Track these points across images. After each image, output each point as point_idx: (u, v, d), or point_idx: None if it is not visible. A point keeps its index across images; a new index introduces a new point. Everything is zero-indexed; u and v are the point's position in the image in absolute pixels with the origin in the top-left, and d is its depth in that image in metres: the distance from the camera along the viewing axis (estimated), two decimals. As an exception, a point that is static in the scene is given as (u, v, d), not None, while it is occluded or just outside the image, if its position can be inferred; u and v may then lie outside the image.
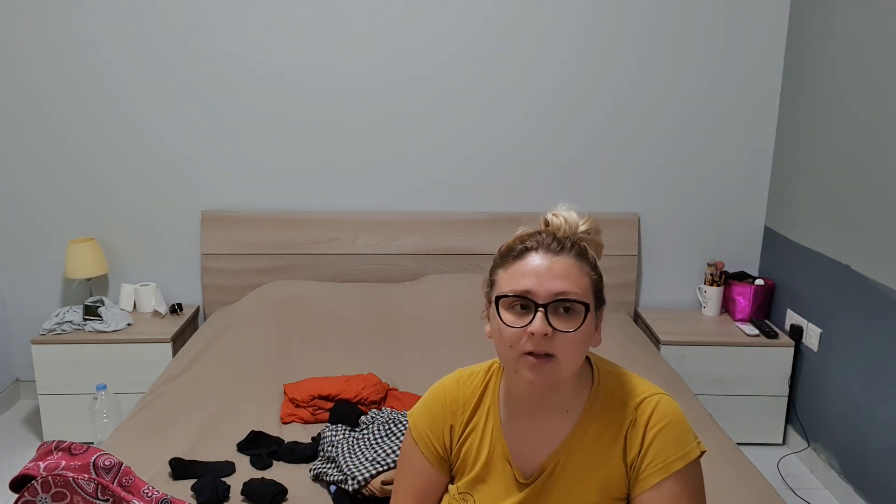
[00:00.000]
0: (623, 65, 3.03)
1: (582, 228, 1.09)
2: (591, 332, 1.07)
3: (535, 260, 1.04)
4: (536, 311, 1.01)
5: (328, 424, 2.04)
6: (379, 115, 3.06)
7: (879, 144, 2.38)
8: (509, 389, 1.15)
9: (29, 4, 2.89)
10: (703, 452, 1.09)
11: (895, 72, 2.30)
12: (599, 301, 1.10)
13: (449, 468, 1.20)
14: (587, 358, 1.16)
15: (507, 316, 1.04)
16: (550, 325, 1.01)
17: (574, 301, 1.02)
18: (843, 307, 2.59)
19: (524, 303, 1.03)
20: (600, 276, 1.10)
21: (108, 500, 1.24)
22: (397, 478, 1.23)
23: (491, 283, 1.11)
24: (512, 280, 1.05)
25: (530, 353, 1.02)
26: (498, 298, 1.05)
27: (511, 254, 1.08)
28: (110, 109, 3.01)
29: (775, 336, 2.89)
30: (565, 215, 1.10)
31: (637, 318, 3.21)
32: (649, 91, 3.05)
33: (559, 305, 1.02)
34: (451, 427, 1.17)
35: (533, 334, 1.00)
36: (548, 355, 1.01)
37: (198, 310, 3.18)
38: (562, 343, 1.02)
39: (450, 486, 1.19)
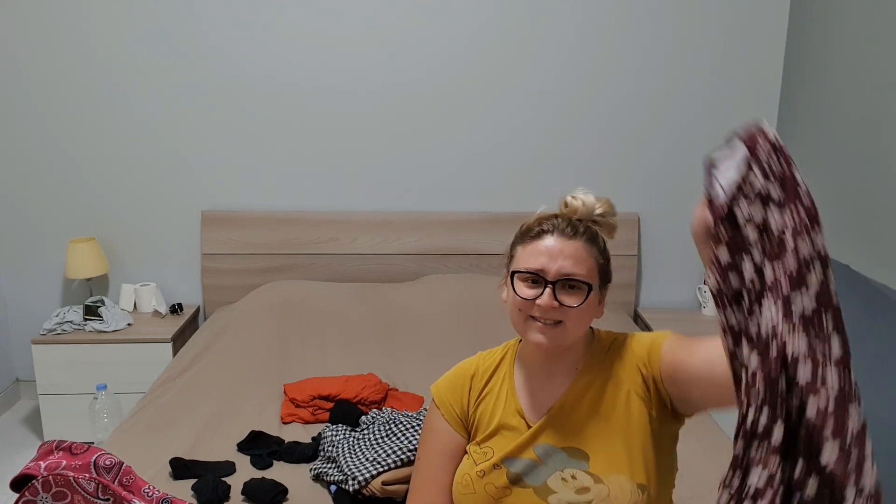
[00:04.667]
0: (623, 65, 3.03)
1: (598, 211, 1.21)
2: (595, 306, 1.20)
3: (550, 241, 1.18)
4: (546, 287, 1.15)
5: (328, 424, 2.04)
6: (379, 116, 3.06)
7: (879, 144, 2.38)
8: (523, 354, 1.27)
9: (29, 6, 2.89)
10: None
11: (895, 72, 2.31)
12: (605, 279, 1.22)
13: (467, 431, 1.28)
14: (593, 330, 1.27)
15: (520, 287, 1.18)
16: (557, 299, 1.14)
17: (579, 281, 1.15)
18: (843, 307, 2.59)
19: (535, 278, 1.16)
20: (607, 259, 1.23)
21: (108, 500, 1.24)
22: (420, 445, 1.33)
23: (510, 257, 1.24)
24: (528, 257, 1.18)
25: (537, 319, 1.16)
26: (514, 273, 1.19)
27: (530, 233, 1.21)
28: (111, 110, 3.01)
29: (775, 336, 2.89)
30: (583, 198, 1.22)
31: (637, 318, 3.21)
32: (649, 91, 3.05)
33: (566, 283, 1.15)
34: (469, 390, 1.28)
35: (540, 306, 1.14)
36: (556, 322, 1.15)
37: (198, 310, 3.18)
38: (569, 313, 1.15)
39: (469, 447, 1.26)
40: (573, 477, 1.16)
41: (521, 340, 1.28)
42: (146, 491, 1.31)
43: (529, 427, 1.21)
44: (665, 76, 3.04)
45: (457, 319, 2.76)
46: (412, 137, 3.08)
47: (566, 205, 1.23)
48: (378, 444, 1.83)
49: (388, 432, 1.89)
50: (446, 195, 3.14)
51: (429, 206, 3.15)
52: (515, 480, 1.18)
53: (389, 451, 1.76)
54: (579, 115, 3.07)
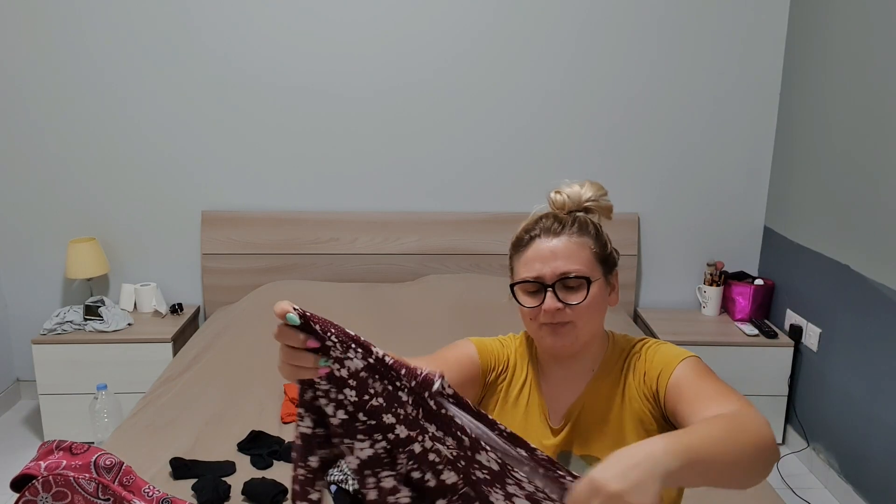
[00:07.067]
0: (623, 67, 3.03)
1: (586, 197, 1.20)
2: (604, 297, 1.19)
3: (539, 245, 1.17)
4: (546, 292, 1.15)
5: (328, 424, 2.04)
6: (379, 116, 3.06)
7: (879, 144, 2.38)
8: (539, 355, 1.27)
9: (28, 6, 2.89)
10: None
11: (894, 72, 2.31)
12: (609, 266, 1.20)
13: (483, 381, 1.26)
14: (609, 334, 1.26)
15: (524, 298, 1.18)
16: (560, 300, 1.14)
17: (576, 277, 1.14)
18: (843, 307, 2.59)
19: (534, 286, 1.16)
20: (604, 243, 1.20)
21: (108, 500, 1.24)
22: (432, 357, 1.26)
23: (511, 271, 1.24)
24: (523, 268, 1.18)
25: (548, 324, 1.15)
26: (513, 286, 1.19)
27: (520, 244, 1.21)
28: (111, 110, 3.01)
29: (775, 336, 2.89)
30: (567, 191, 1.21)
31: (637, 317, 3.21)
32: (649, 92, 3.05)
33: (564, 282, 1.15)
34: (497, 359, 1.28)
35: (546, 311, 1.14)
36: (565, 323, 1.15)
37: (198, 310, 3.18)
38: (576, 311, 1.14)
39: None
40: None
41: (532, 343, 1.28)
42: (146, 491, 1.31)
43: (551, 427, 1.21)
44: (665, 78, 3.04)
45: (457, 319, 2.76)
46: (413, 138, 3.08)
47: (553, 203, 1.22)
48: (378, 444, 1.83)
49: (388, 432, 1.89)
50: (446, 195, 3.15)
51: (429, 206, 3.16)
52: None
53: (389, 451, 1.76)
54: (579, 116, 3.07)
